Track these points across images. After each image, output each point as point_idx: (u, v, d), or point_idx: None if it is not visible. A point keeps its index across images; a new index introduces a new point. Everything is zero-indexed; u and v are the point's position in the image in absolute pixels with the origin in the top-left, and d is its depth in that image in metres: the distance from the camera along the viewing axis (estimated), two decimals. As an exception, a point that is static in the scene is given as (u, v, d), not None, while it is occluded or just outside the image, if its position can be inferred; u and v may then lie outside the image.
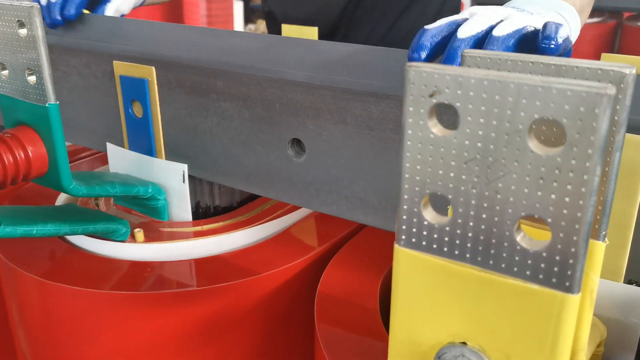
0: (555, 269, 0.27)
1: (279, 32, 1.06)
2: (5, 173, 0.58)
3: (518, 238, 0.28)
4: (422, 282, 0.31)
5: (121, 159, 0.77)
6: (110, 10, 0.85)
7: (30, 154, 0.59)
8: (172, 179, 0.72)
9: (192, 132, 0.70)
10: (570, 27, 0.57)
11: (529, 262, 0.28)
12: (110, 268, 0.66)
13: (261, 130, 0.64)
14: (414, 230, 0.31)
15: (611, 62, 0.33)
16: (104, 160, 0.95)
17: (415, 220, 0.31)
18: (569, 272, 0.27)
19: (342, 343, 0.54)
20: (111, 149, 0.77)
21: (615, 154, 0.32)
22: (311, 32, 0.93)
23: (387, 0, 1.06)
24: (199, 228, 0.72)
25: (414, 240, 0.31)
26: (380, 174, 0.58)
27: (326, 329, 0.56)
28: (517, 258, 0.28)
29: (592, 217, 0.26)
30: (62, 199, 0.81)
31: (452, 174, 0.29)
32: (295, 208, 0.77)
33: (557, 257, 0.27)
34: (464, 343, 0.31)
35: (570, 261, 0.27)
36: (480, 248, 0.29)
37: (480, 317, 0.30)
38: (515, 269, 0.28)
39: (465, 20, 0.50)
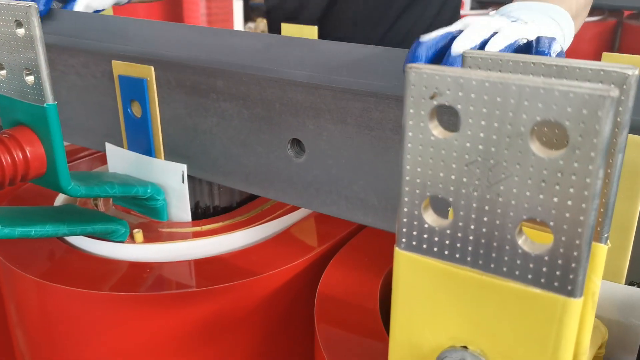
0: (558, 272, 0.27)
1: (278, 31, 1.06)
2: (3, 174, 0.58)
3: (520, 241, 0.28)
4: (422, 285, 0.31)
5: (120, 159, 0.76)
6: (80, 5, 0.85)
7: (29, 155, 0.59)
8: (171, 179, 0.72)
9: (192, 132, 0.70)
10: (564, 34, 0.58)
11: (531, 265, 0.28)
12: (109, 269, 0.66)
13: (261, 130, 0.64)
14: (415, 233, 0.31)
15: (613, 62, 0.33)
16: (103, 159, 0.95)
17: (415, 223, 0.30)
18: (571, 276, 0.27)
19: (342, 344, 0.54)
20: (110, 149, 0.77)
21: (618, 155, 0.32)
22: (311, 32, 0.92)
23: (387, 1, 1.06)
24: (198, 228, 0.72)
25: (414, 243, 0.31)
26: (380, 174, 0.57)
27: (326, 330, 0.55)
28: (518, 261, 0.28)
29: (595, 221, 0.26)
30: (60, 199, 0.81)
31: (453, 177, 0.28)
32: (295, 208, 0.76)
33: (560, 261, 0.27)
34: (465, 347, 0.31)
35: (573, 265, 0.26)
36: (481, 251, 0.29)
37: (482, 321, 0.30)
38: (516, 272, 0.28)
39: (460, 32, 0.50)
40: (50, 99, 0.57)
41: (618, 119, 0.31)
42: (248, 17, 3.82)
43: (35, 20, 0.54)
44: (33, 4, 0.54)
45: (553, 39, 0.48)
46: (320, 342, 0.53)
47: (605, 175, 0.33)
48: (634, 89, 0.31)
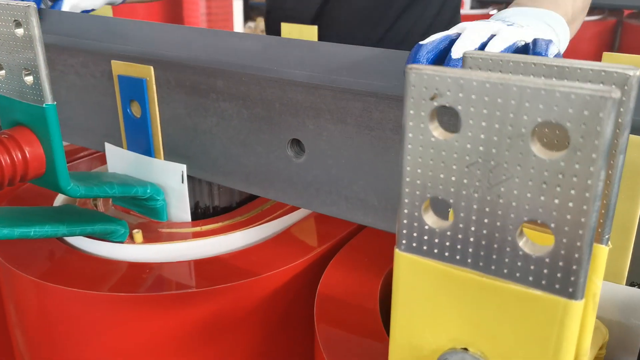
0: (559, 274, 0.27)
1: (278, 30, 1.05)
2: (2, 174, 0.58)
3: (520, 243, 0.28)
4: (423, 287, 0.31)
5: (120, 159, 0.76)
6: (67, 5, 0.85)
7: (28, 155, 0.59)
8: (171, 179, 0.72)
9: (191, 132, 0.70)
10: (560, 39, 0.59)
11: (532, 267, 0.27)
12: (109, 269, 0.66)
13: (261, 130, 0.64)
14: (415, 234, 0.30)
15: (614, 62, 0.32)
16: (102, 159, 0.95)
17: (416, 224, 0.30)
18: (573, 278, 0.26)
19: (342, 344, 0.54)
20: (110, 149, 0.77)
21: (619, 156, 0.32)
22: (311, 31, 0.92)
23: (387, 0, 1.05)
24: (198, 229, 0.72)
25: (414, 244, 0.31)
26: (380, 174, 0.57)
27: (326, 330, 0.55)
28: (519, 263, 0.28)
29: (596, 222, 0.26)
30: (60, 199, 0.81)
31: (453, 178, 0.28)
32: (295, 208, 0.76)
33: (561, 263, 0.26)
34: (466, 349, 0.31)
35: (574, 267, 0.26)
36: (482, 253, 0.29)
37: (482, 323, 0.30)
38: (517, 274, 0.28)
39: (459, 35, 0.51)
40: (49, 99, 0.57)
41: (619, 120, 0.31)
42: (248, 17, 3.82)
43: (34, 20, 0.54)
44: (32, 3, 0.54)
45: (550, 41, 0.49)
46: (320, 343, 0.53)
47: (607, 177, 0.32)
48: (635, 89, 0.31)
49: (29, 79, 0.57)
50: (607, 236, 0.34)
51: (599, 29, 3.13)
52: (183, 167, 0.71)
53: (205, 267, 0.66)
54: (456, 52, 0.48)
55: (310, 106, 0.59)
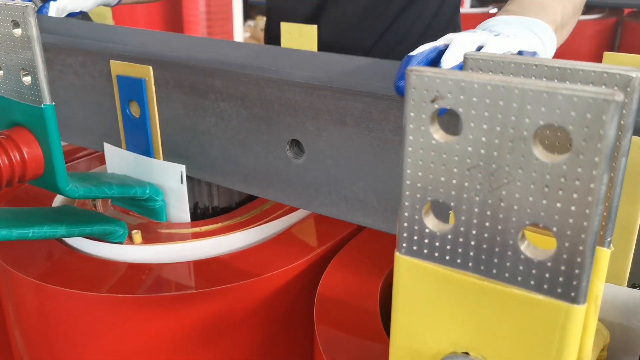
0: (561, 279, 0.26)
1: (278, 29, 1.05)
2: (0, 175, 0.57)
3: (522, 247, 0.27)
4: (423, 290, 0.31)
5: (119, 159, 0.76)
6: (52, 10, 0.84)
7: (26, 156, 0.58)
8: (170, 179, 0.72)
9: (190, 133, 0.69)
10: (546, 47, 0.59)
11: (534, 271, 0.27)
12: (108, 270, 0.65)
13: (260, 130, 0.64)
14: (415, 237, 0.30)
15: (615, 62, 0.32)
16: (101, 160, 0.95)
17: (416, 227, 0.30)
18: (575, 282, 0.26)
19: (342, 345, 0.54)
20: (108, 149, 0.77)
21: (621, 159, 0.32)
22: (311, 31, 0.92)
23: (385, 0, 1.05)
24: (197, 229, 0.72)
25: (415, 248, 0.30)
26: (380, 175, 0.57)
27: (326, 331, 0.55)
28: (521, 267, 0.27)
29: (599, 226, 0.25)
30: (59, 200, 0.80)
31: (454, 181, 0.28)
32: (294, 209, 0.76)
33: (563, 267, 0.26)
34: (467, 353, 0.30)
35: (576, 271, 0.26)
36: (483, 257, 0.28)
37: (483, 327, 0.30)
38: (519, 278, 0.28)
39: (447, 46, 0.51)
40: (47, 100, 0.57)
41: (622, 122, 0.31)
42: (247, 15, 3.81)
43: (32, 20, 0.54)
44: (30, 4, 0.54)
45: (535, 52, 0.49)
46: (319, 344, 0.53)
47: (609, 179, 0.32)
48: (638, 91, 0.31)
49: (27, 79, 0.57)
50: (609, 239, 0.34)
51: (599, 27, 3.13)
52: (182, 168, 0.70)
53: (204, 268, 0.66)
54: (446, 63, 0.49)
55: (309, 106, 0.59)
